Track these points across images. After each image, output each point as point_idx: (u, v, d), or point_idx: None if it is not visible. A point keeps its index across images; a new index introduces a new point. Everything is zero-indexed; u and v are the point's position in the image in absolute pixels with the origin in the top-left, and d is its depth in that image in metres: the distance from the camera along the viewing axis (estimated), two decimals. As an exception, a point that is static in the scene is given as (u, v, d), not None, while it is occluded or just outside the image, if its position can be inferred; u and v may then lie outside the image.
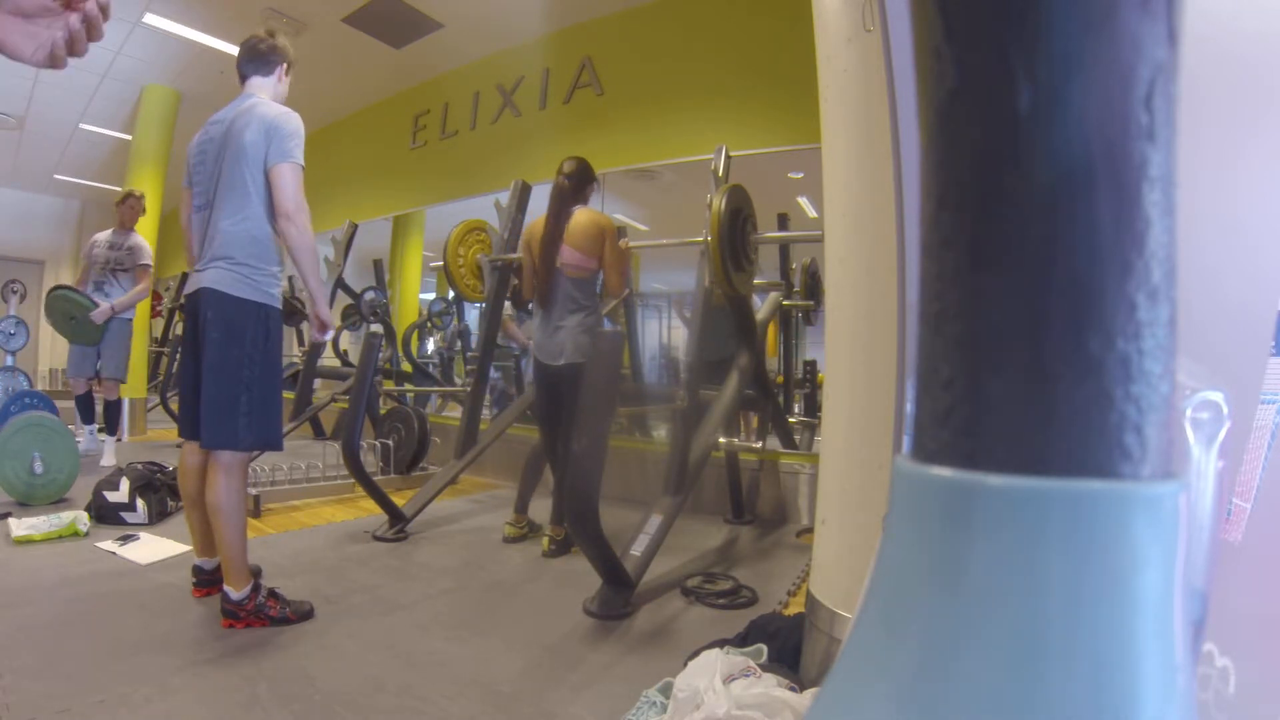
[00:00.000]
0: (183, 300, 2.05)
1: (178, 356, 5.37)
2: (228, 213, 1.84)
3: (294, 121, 1.88)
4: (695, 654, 1.44)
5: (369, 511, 3.16)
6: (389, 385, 5.11)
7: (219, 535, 1.82)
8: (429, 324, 6.07)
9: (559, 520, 2.66)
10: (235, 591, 1.80)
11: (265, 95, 1.96)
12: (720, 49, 3.79)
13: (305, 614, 1.89)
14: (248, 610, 1.81)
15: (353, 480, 3.08)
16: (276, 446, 1.96)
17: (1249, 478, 0.67)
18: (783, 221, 3.99)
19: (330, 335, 2.06)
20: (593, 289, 2.58)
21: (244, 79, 1.99)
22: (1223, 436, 0.35)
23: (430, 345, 6.74)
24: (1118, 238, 0.18)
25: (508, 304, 3.62)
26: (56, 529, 2.55)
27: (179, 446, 2.01)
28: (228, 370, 1.82)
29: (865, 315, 1.43)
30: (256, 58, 1.99)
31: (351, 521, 3.07)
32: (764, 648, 1.53)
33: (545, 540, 2.67)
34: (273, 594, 1.87)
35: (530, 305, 3.07)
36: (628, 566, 2.10)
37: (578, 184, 2.60)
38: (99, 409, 4.37)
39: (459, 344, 6.22)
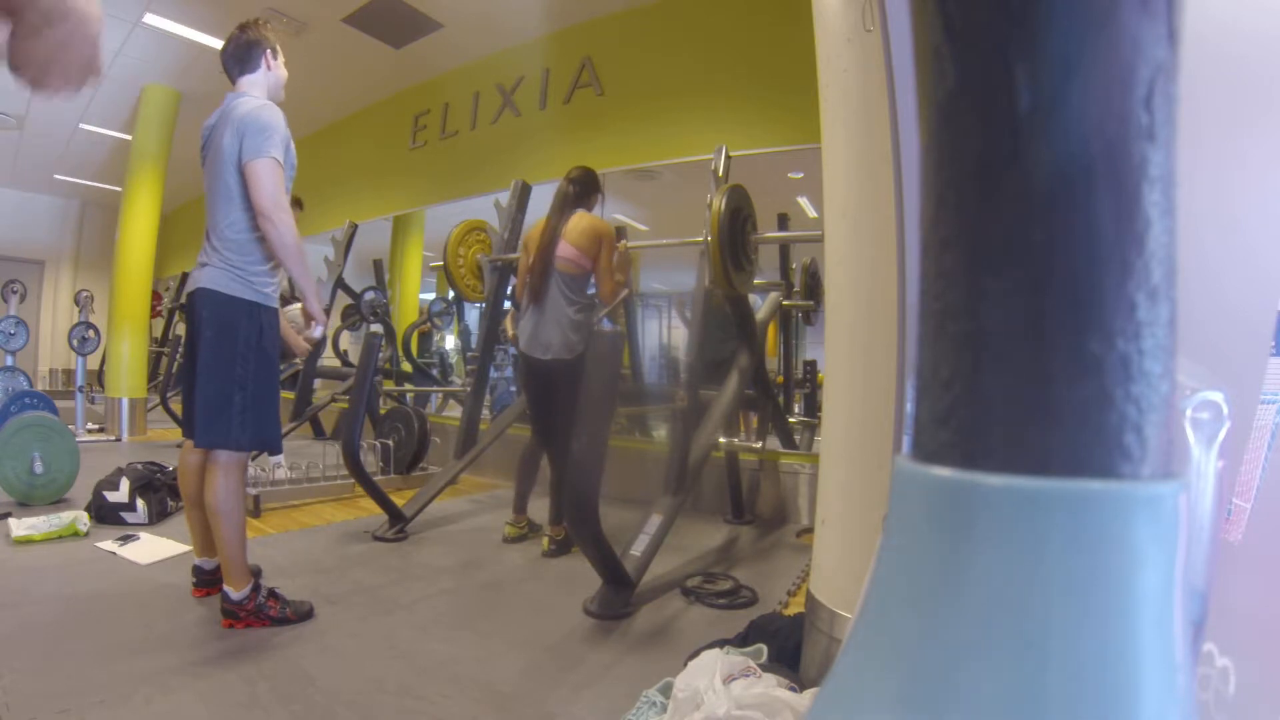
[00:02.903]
0: (183, 301, 2.03)
1: (178, 357, 5.40)
2: (219, 215, 1.84)
3: (266, 115, 1.81)
4: (695, 654, 1.44)
5: (369, 511, 3.16)
6: (389, 385, 5.11)
7: (218, 536, 1.82)
8: (432, 324, 6.07)
9: (558, 520, 2.67)
10: (235, 592, 1.80)
11: (256, 90, 1.92)
12: (720, 49, 3.79)
13: (305, 614, 1.89)
14: (248, 610, 1.80)
15: (353, 480, 3.08)
16: (274, 448, 1.94)
17: (1249, 478, 0.66)
18: (783, 221, 3.99)
19: (320, 331, 2.04)
20: (584, 288, 2.59)
21: (232, 78, 1.96)
22: (1223, 436, 0.35)
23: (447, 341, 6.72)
24: (1118, 238, 0.18)
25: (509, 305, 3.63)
26: (56, 529, 2.55)
27: (180, 446, 2.00)
28: (220, 368, 1.81)
29: (865, 315, 1.43)
30: (234, 56, 1.94)
31: (351, 521, 3.07)
32: (764, 648, 1.53)
33: (545, 540, 2.67)
34: (273, 594, 1.87)
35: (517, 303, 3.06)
36: (628, 566, 2.10)
37: (583, 190, 2.63)
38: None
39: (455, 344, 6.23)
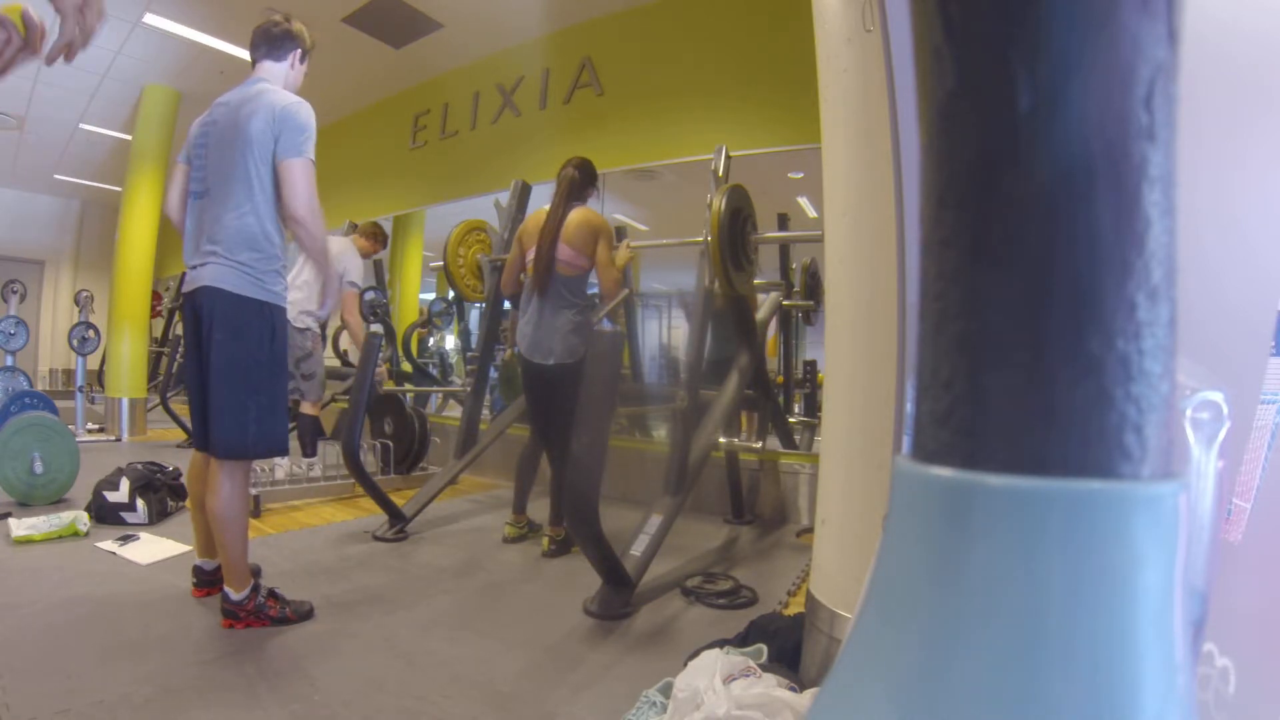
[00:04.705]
0: (180, 299, 2.00)
1: (178, 358, 5.39)
2: (230, 205, 1.74)
3: (305, 113, 1.78)
4: (695, 654, 1.44)
5: (369, 511, 3.16)
6: (389, 385, 5.11)
7: (220, 539, 1.80)
8: (432, 324, 6.06)
9: (558, 520, 2.66)
10: (235, 593, 1.79)
11: (276, 82, 1.88)
12: (720, 49, 3.79)
13: (305, 614, 1.89)
14: (248, 611, 1.80)
15: (353, 480, 3.08)
16: (283, 450, 1.93)
17: (1249, 478, 0.66)
18: (783, 221, 3.99)
19: (328, 312, 2.01)
20: (583, 288, 2.57)
21: (255, 63, 1.90)
22: (1223, 436, 0.35)
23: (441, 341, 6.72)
24: (1118, 238, 0.18)
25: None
26: (56, 529, 2.55)
27: (180, 447, 2.01)
28: (235, 376, 1.76)
29: (865, 315, 1.43)
30: (268, 40, 1.89)
31: (351, 521, 3.07)
32: (764, 648, 1.53)
33: (545, 540, 2.67)
34: (272, 594, 1.86)
35: (510, 299, 3.04)
36: (628, 566, 2.10)
37: (585, 178, 2.60)
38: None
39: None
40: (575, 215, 2.52)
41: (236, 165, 1.74)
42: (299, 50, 1.95)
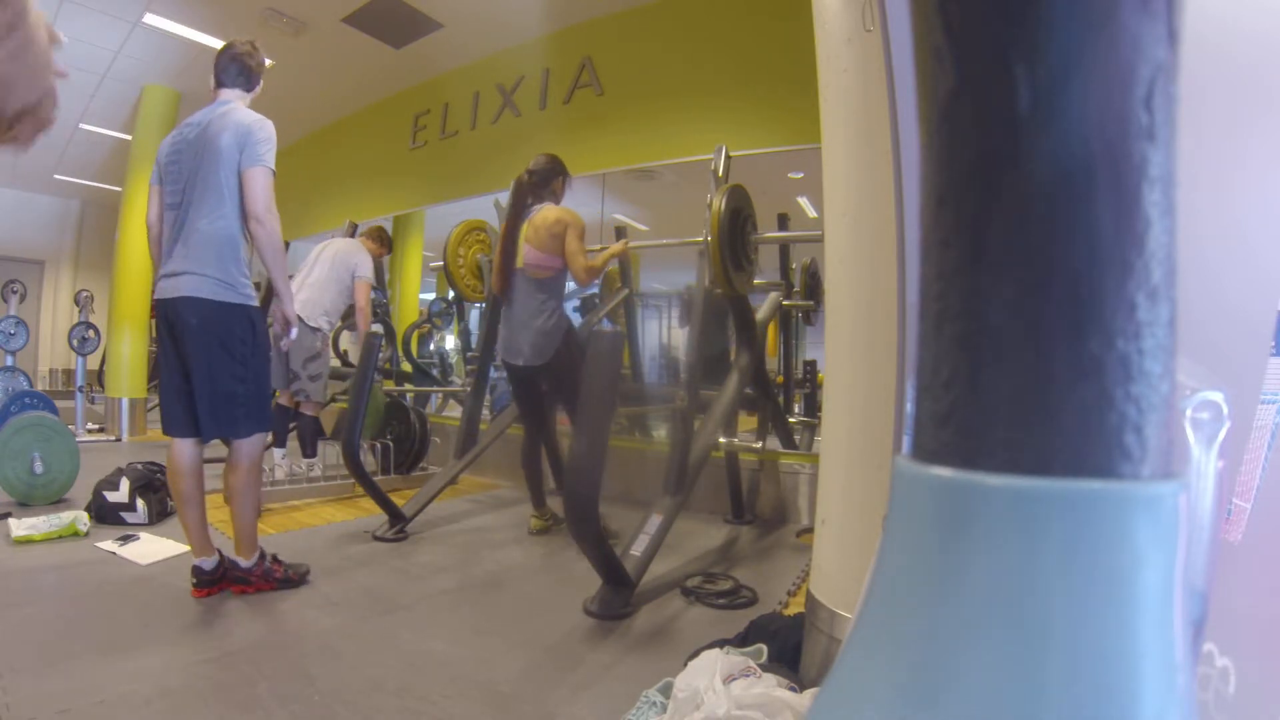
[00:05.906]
0: (154, 304, 2.14)
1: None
2: (204, 212, 1.93)
3: (268, 128, 1.98)
4: (695, 654, 1.44)
5: (369, 511, 3.16)
6: (389, 385, 5.11)
7: (235, 513, 2.03)
8: (432, 324, 6.06)
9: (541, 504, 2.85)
10: (245, 560, 2.04)
11: (241, 104, 2.04)
12: (720, 49, 3.79)
13: (303, 575, 2.16)
14: (257, 575, 2.04)
15: (353, 480, 3.08)
16: (268, 428, 2.12)
17: (1249, 478, 0.66)
18: (783, 221, 3.98)
19: (295, 334, 2.16)
20: (558, 287, 2.60)
21: (221, 84, 2.05)
22: (1223, 436, 0.35)
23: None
24: (1118, 238, 0.17)
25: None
26: (56, 529, 2.55)
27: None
28: (222, 373, 1.95)
29: (865, 315, 1.43)
30: (246, 72, 2.06)
31: (351, 521, 3.07)
32: (764, 648, 1.53)
33: (534, 520, 2.84)
34: (275, 559, 2.13)
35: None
36: (628, 566, 2.10)
37: (540, 180, 2.64)
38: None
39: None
40: (541, 216, 2.56)
41: (209, 177, 1.93)
42: (260, 83, 2.14)
